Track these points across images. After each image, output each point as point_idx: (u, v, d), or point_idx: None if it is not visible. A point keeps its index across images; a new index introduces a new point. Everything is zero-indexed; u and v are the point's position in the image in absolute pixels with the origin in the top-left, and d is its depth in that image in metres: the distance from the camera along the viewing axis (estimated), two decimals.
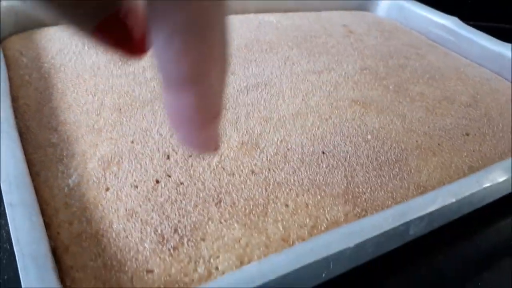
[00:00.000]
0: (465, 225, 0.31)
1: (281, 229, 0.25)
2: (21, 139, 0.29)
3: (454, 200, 0.27)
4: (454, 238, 0.32)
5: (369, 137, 0.33)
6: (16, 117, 0.31)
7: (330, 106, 0.36)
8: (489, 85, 0.45)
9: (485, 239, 0.34)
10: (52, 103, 0.32)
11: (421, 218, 0.27)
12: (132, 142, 0.29)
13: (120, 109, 0.31)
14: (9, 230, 0.21)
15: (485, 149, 0.35)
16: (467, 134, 0.36)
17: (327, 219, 0.26)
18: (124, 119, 0.30)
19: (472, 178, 0.30)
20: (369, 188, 0.29)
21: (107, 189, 0.25)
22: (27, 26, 0.42)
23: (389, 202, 0.29)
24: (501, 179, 0.30)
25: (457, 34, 0.55)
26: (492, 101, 0.42)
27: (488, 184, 0.29)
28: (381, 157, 0.31)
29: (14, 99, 0.33)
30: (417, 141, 0.34)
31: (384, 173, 0.30)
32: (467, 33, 0.54)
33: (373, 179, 0.30)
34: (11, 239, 0.21)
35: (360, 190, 0.29)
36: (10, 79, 0.35)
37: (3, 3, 0.41)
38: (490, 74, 0.49)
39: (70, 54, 0.37)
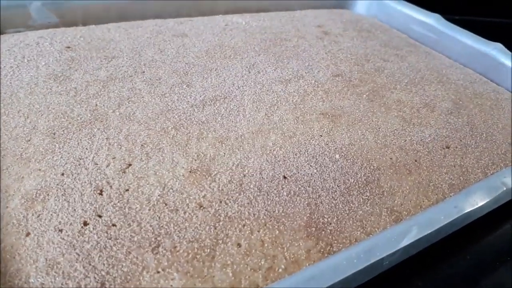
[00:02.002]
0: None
1: (230, 275, 0.22)
2: None
3: (429, 231, 0.24)
4: (436, 258, 0.29)
5: (337, 156, 0.29)
6: None
7: (295, 121, 0.32)
8: (473, 89, 0.42)
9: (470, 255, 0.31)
10: None
11: (393, 253, 0.23)
12: (62, 174, 0.25)
13: (54, 134, 0.28)
14: None
15: (467, 163, 0.32)
16: (448, 147, 0.33)
17: (286, 259, 0.23)
18: (57, 146, 0.27)
19: (451, 203, 0.26)
20: (335, 218, 0.26)
21: (28, 234, 0.22)
22: None
23: (358, 233, 0.25)
24: (482, 203, 0.27)
25: (440, 32, 0.52)
26: (476, 107, 0.39)
27: (468, 210, 0.26)
28: (350, 179, 0.28)
29: None
30: (391, 158, 0.30)
31: (353, 198, 0.27)
32: (450, 31, 0.51)
33: (340, 206, 0.26)
34: None
35: (325, 220, 0.25)
36: None
37: None
38: (474, 76, 0.46)
39: (6, 69, 0.33)
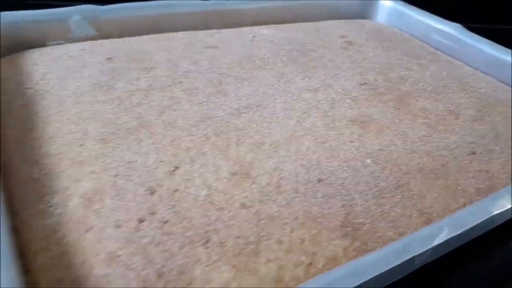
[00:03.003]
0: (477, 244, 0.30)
1: (274, 269, 0.23)
2: (2, 172, 0.28)
3: (460, 231, 0.26)
4: (466, 258, 0.31)
5: (368, 161, 0.31)
6: None
7: (326, 128, 0.34)
8: (495, 97, 0.43)
9: (499, 257, 0.32)
10: (34, 134, 0.30)
11: (425, 252, 0.25)
12: (115, 176, 0.27)
13: (104, 139, 0.30)
14: None
15: (492, 169, 0.33)
16: (473, 153, 0.34)
17: (324, 256, 0.25)
18: (108, 150, 0.29)
19: (480, 206, 0.28)
20: (369, 219, 0.27)
21: (88, 230, 0.24)
22: (13, 49, 0.41)
23: (391, 233, 0.27)
24: (509, 205, 0.28)
25: (461, 41, 0.53)
26: (499, 114, 0.40)
27: (497, 212, 0.27)
28: (382, 183, 0.30)
29: None
30: (419, 163, 0.32)
31: (385, 201, 0.28)
32: (470, 40, 0.52)
33: (373, 208, 0.28)
34: None
35: (360, 221, 0.27)
36: None
37: None
38: (496, 84, 0.47)
39: (53, 79, 0.36)
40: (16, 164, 0.28)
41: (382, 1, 0.62)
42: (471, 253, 0.30)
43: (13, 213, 0.25)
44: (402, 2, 0.61)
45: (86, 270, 0.22)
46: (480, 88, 0.45)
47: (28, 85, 0.35)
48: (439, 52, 0.54)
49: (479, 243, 0.29)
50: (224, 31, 0.50)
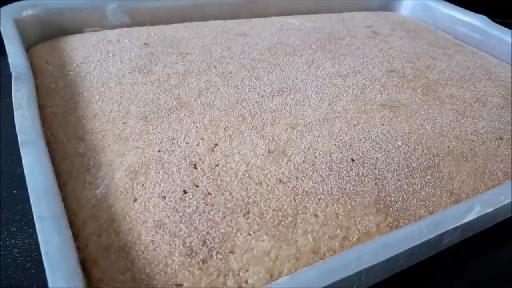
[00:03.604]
0: (499, 230, 0.30)
1: (311, 240, 0.24)
2: (49, 148, 0.29)
3: (491, 209, 0.26)
4: (488, 244, 0.31)
5: (399, 143, 0.32)
6: (43, 126, 0.31)
7: (357, 111, 0.35)
8: None
9: None
10: (78, 112, 0.32)
11: (455, 229, 0.25)
12: (159, 151, 0.28)
13: (146, 118, 0.31)
14: (37, 239, 0.21)
15: None
16: (501, 138, 0.35)
17: (358, 230, 0.26)
18: (150, 128, 0.30)
19: (509, 186, 0.28)
20: (401, 197, 0.28)
21: (135, 200, 0.25)
22: (51, 35, 0.43)
23: (422, 211, 0.28)
24: None
25: (486, 33, 0.53)
26: None
27: None
28: (412, 163, 0.30)
29: (41, 108, 0.33)
30: (448, 147, 0.33)
31: (416, 181, 0.29)
32: (495, 31, 0.52)
33: (404, 186, 0.29)
34: (39, 248, 0.20)
35: (392, 199, 0.28)
36: (36, 87, 0.35)
37: (28, 12, 0.42)
38: None
39: (95, 62, 0.37)
40: (62, 140, 0.30)
41: None
42: (492, 240, 0.31)
43: (60, 186, 0.27)
44: None
45: (133, 236, 0.24)
46: (507, 77, 0.45)
47: (69, 68, 0.37)
48: (464, 44, 0.54)
49: (499, 230, 0.30)
50: (253, 20, 0.51)
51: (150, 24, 0.48)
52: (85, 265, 0.23)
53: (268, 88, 0.36)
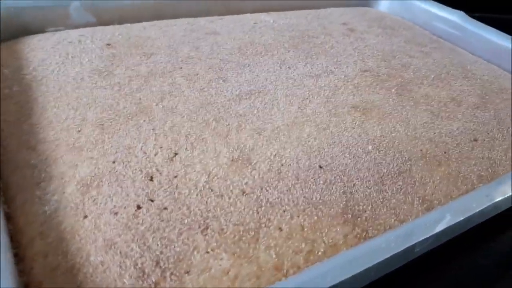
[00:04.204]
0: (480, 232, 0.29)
1: (274, 256, 0.23)
2: None
3: (462, 218, 0.25)
4: (469, 246, 0.30)
5: (370, 147, 0.31)
6: None
7: (328, 114, 0.33)
8: (498, 84, 0.43)
9: (499, 246, 0.32)
10: (32, 119, 0.30)
11: (427, 238, 0.24)
12: (114, 162, 0.27)
13: (103, 125, 0.29)
14: None
15: (494, 156, 0.33)
16: (475, 140, 0.34)
17: (324, 243, 0.24)
18: (106, 136, 0.28)
19: (482, 192, 0.27)
20: (370, 206, 0.27)
21: (85, 217, 0.24)
22: (12, 35, 0.40)
23: (392, 220, 0.27)
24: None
25: (464, 29, 0.52)
26: (502, 102, 0.40)
27: (499, 198, 0.27)
28: (383, 169, 0.29)
29: None
30: (421, 150, 0.32)
31: (386, 188, 0.28)
32: (474, 27, 0.52)
33: (374, 194, 0.28)
34: None
35: (361, 208, 0.27)
36: None
37: None
38: (499, 71, 0.46)
39: (53, 65, 0.35)
40: (13, 150, 0.28)
41: None
42: (470, 241, 0.30)
43: (8, 200, 0.25)
44: None
45: (82, 257, 0.22)
46: (483, 75, 0.44)
47: (25, 71, 0.35)
48: (442, 40, 0.53)
49: (479, 231, 0.29)
50: (225, 17, 0.49)
51: (117, 23, 0.46)
52: None
53: (236, 90, 0.35)
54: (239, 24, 0.47)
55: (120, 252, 0.22)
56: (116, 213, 0.24)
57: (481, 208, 0.26)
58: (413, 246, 0.24)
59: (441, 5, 0.56)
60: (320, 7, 0.57)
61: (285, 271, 0.23)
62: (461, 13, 0.54)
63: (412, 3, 0.58)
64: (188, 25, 0.45)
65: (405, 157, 0.31)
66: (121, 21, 0.46)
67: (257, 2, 0.54)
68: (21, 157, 0.27)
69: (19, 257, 0.22)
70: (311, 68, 0.39)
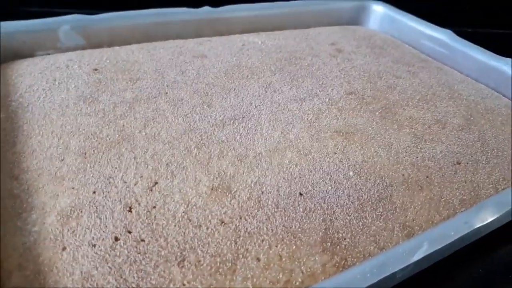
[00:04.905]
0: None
1: (251, 287, 0.23)
2: None
3: (439, 246, 0.25)
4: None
5: (351, 173, 0.31)
6: None
7: (310, 139, 0.34)
8: (484, 104, 0.43)
9: (494, 259, 0.32)
10: (17, 148, 0.30)
11: (405, 267, 0.24)
12: (94, 192, 0.27)
13: (85, 153, 0.30)
14: None
15: (478, 179, 0.33)
16: (459, 163, 0.34)
17: (302, 272, 0.24)
18: (88, 165, 0.29)
19: (461, 219, 0.27)
20: (349, 233, 0.27)
21: (64, 249, 0.24)
22: (3, 59, 0.41)
23: (372, 248, 0.27)
24: (491, 218, 0.28)
25: (451, 48, 0.53)
26: (487, 123, 0.40)
27: (478, 225, 0.27)
28: (364, 195, 0.29)
29: None
30: (403, 175, 0.32)
31: (367, 214, 0.28)
32: (461, 46, 0.52)
33: (354, 221, 0.28)
34: None
35: (340, 235, 0.27)
36: None
37: None
38: (486, 91, 0.47)
39: (39, 91, 0.36)
40: None
41: (375, 7, 0.62)
42: (453, 264, 0.30)
43: None
44: (394, 8, 0.61)
45: None
46: (470, 95, 0.44)
47: (12, 98, 0.35)
48: (430, 59, 0.53)
49: (463, 253, 0.29)
50: (214, 39, 0.50)
51: (106, 45, 0.46)
52: None
53: (220, 116, 0.35)
54: (227, 46, 0.48)
55: (97, 285, 0.22)
56: (94, 245, 0.24)
57: (460, 236, 0.26)
58: (393, 274, 0.24)
59: (429, 23, 0.56)
60: (310, 26, 0.58)
61: None
62: (449, 31, 0.54)
63: (401, 21, 0.59)
64: (177, 48, 0.46)
65: (386, 183, 0.31)
66: (110, 43, 0.46)
67: (246, 23, 0.54)
68: (4, 187, 0.28)
69: None
70: (296, 92, 0.40)
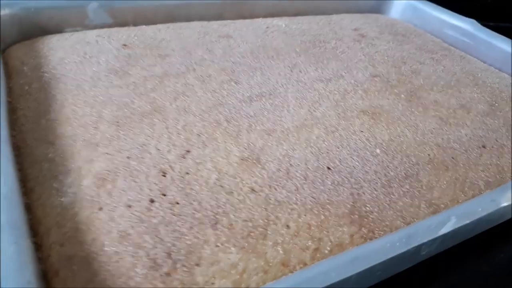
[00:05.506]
0: (484, 238, 0.30)
1: (281, 252, 0.24)
2: (17, 152, 0.28)
3: (468, 221, 0.26)
4: (469, 254, 0.31)
5: (377, 151, 0.31)
6: (13, 129, 0.30)
7: (337, 117, 0.34)
8: (508, 92, 0.43)
9: (503, 255, 0.32)
10: (51, 115, 0.31)
11: (433, 240, 0.25)
12: (128, 157, 0.27)
13: (118, 122, 0.30)
14: None
15: (503, 162, 0.33)
16: (484, 147, 0.34)
17: (331, 241, 0.25)
18: (121, 133, 0.29)
19: (488, 197, 0.28)
20: (376, 207, 0.27)
21: (100, 209, 0.24)
22: (30, 34, 0.42)
23: (398, 222, 0.27)
24: None
25: (475, 37, 0.52)
26: (511, 110, 0.40)
27: (505, 204, 0.27)
28: (390, 172, 0.30)
29: (13, 110, 0.32)
30: (429, 155, 0.32)
31: (393, 190, 0.29)
32: (485, 36, 0.52)
33: (381, 196, 0.28)
34: None
35: (367, 209, 0.27)
36: (10, 88, 0.34)
37: (6, 11, 0.41)
38: (509, 80, 0.47)
39: (71, 64, 0.36)
40: (32, 144, 0.29)
41: None
42: (474, 250, 0.30)
43: (26, 191, 0.26)
44: None
45: (97, 247, 0.23)
46: (494, 83, 0.44)
47: (45, 69, 0.36)
48: (452, 48, 0.53)
49: (483, 239, 0.29)
50: (238, 21, 0.50)
51: (132, 24, 0.47)
52: (46, 276, 0.22)
53: (247, 92, 0.35)
54: (251, 28, 0.48)
55: (134, 243, 0.23)
56: (130, 206, 0.24)
57: (487, 213, 0.27)
58: (419, 247, 0.24)
59: (452, 12, 0.56)
60: (332, 13, 0.58)
61: (291, 267, 0.23)
62: (473, 21, 0.54)
63: (424, 10, 0.59)
64: (202, 28, 0.46)
65: (412, 161, 0.31)
66: (136, 22, 0.47)
67: (268, 7, 0.54)
68: (40, 151, 0.28)
69: (37, 245, 0.23)
70: (322, 73, 0.40)
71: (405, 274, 0.26)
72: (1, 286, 0.19)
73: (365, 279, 0.23)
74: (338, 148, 0.31)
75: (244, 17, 0.53)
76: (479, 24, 0.54)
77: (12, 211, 0.22)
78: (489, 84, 0.44)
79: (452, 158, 0.32)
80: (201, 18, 0.50)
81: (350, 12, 0.60)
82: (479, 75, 0.46)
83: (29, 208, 0.25)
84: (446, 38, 0.55)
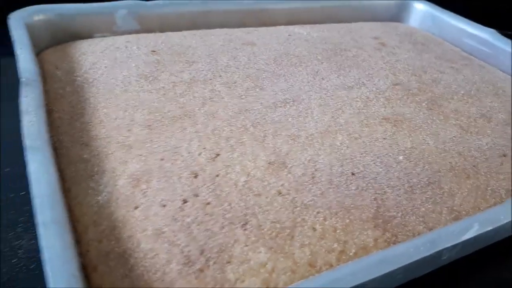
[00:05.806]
0: (504, 245, 0.30)
1: (308, 253, 0.25)
2: (55, 154, 0.30)
3: (490, 228, 0.26)
4: (492, 259, 0.31)
5: (400, 157, 0.32)
6: (50, 130, 0.32)
7: (360, 124, 0.35)
8: None
9: None
10: (84, 118, 0.33)
11: (454, 246, 0.25)
12: (162, 159, 0.29)
13: (150, 126, 0.32)
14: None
15: None
16: (504, 155, 0.35)
17: (355, 244, 0.26)
18: (154, 136, 0.31)
19: (510, 205, 0.28)
20: (400, 212, 0.28)
21: (136, 208, 0.26)
22: (62, 39, 0.43)
23: (421, 227, 0.28)
24: None
25: (494, 47, 0.53)
26: None
27: None
28: (413, 179, 0.31)
29: (49, 113, 0.33)
30: (450, 163, 0.33)
31: (416, 196, 0.29)
32: (504, 45, 0.52)
33: (404, 202, 0.29)
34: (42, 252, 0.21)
35: (391, 214, 0.28)
36: (45, 92, 0.35)
37: (40, 17, 0.43)
38: None
39: (102, 68, 0.38)
40: (68, 145, 0.31)
41: (416, 5, 0.62)
42: (495, 256, 0.31)
43: (64, 191, 0.27)
44: (435, 6, 0.61)
45: (133, 244, 0.24)
46: None
47: (77, 73, 0.38)
48: (472, 57, 0.54)
49: (504, 246, 0.30)
50: (260, 29, 0.51)
51: (158, 30, 0.48)
52: (85, 271, 0.23)
53: (272, 99, 0.36)
54: (274, 35, 0.49)
55: (168, 241, 0.24)
56: (164, 206, 0.26)
57: (509, 220, 0.27)
58: (441, 252, 0.25)
59: (471, 22, 0.57)
60: (351, 21, 0.59)
61: (318, 267, 0.24)
62: (492, 30, 0.54)
63: (443, 19, 0.59)
64: (226, 35, 0.47)
65: (434, 169, 0.32)
66: (162, 29, 0.49)
67: (289, 15, 0.56)
68: (75, 152, 0.30)
69: (76, 241, 0.24)
70: (344, 80, 0.41)
71: (425, 279, 0.26)
72: (50, 280, 0.20)
73: (386, 282, 0.24)
74: (362, 154, 0.32)
75: (265, 25, 0.54)
76: (498, 34, 0.54)
77: (56, 209, 0.23)
78: (509, 94, 0.44)
79: (473, 166, 0.33)
80: (223, 25, 0.52)
81: (369, 20, 0.61)
82: (499, 84, 0.46)
83: (67, 207, 0.26)
84: (465, 47, 0.56)
